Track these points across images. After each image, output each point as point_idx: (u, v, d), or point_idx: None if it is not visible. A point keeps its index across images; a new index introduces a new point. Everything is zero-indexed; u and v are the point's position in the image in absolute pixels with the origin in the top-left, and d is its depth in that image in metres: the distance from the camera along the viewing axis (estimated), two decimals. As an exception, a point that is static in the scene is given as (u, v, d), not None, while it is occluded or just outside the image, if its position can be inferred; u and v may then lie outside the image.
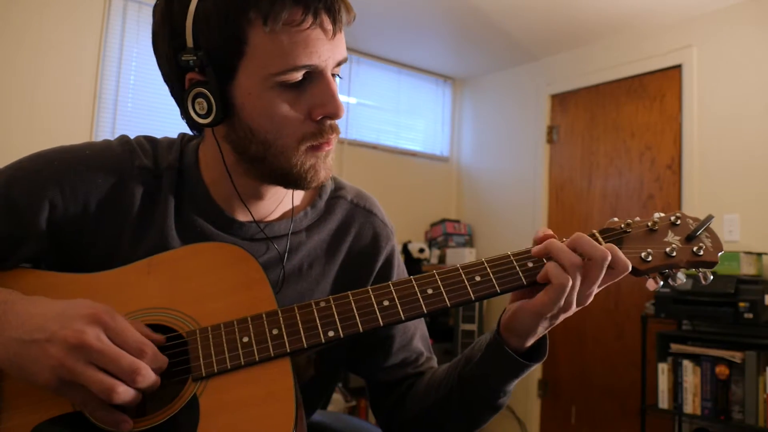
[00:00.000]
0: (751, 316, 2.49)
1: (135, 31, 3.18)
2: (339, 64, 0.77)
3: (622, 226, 0.78)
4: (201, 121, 0.76)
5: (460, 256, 3.93)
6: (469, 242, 4.19)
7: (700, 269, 0.77)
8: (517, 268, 0.75)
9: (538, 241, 0.77)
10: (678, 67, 3.27)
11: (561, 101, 3.88)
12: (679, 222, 0.78)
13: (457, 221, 4.25)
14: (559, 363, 3.65)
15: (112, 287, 0.75)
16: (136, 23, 3.18)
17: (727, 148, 3.02)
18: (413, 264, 3.83)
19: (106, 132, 3.06)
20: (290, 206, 0.89)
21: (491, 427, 3.95)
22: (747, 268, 2.67)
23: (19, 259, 0.78)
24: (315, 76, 0.74)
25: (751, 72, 2.97)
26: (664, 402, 2.80)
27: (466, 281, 0.74)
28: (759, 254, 2.75)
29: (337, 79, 0.79)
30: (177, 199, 0.83)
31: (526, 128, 4.03)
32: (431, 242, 4.17)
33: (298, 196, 0.91)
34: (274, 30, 0.70)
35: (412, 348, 0.96)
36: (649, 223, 0.78)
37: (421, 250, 3.92)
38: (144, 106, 3.21)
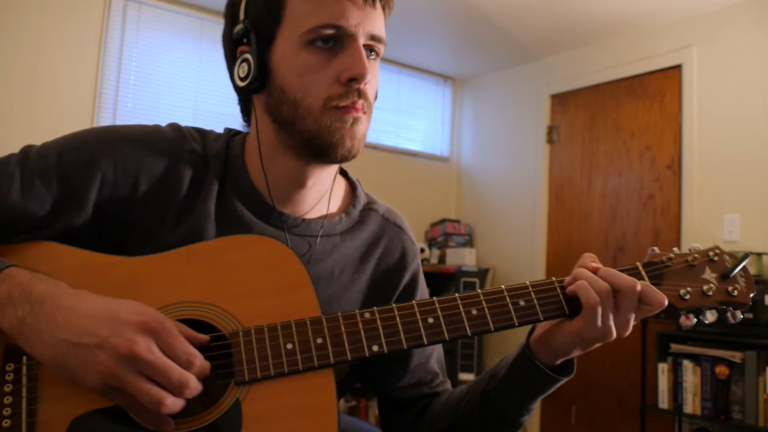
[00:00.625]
0: (751, 316, 2.49)
1: (135, 31, 3.18)
2: (373, 38, 0.79)
3: (664, 259, 0.79)
4: (241, 83, 0.80)
5: (460, 256, 3.93)
6: (469, 242, 4.19)
7: (730, 308, 0.78)
8: (561, 296, 0.75)
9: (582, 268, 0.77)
10: (678, 67, 3.27)
11: (561, 101, 3.88)
12: (716, 258, 0.80)
13: (457, 221, 4.25)
14: (559, 363, 3.64)
15: (150, 275, 0.74)
16: (136, 23, 3.18)
17: (727, 148, 3.02)
18: (413, 264, 3.83)
19: (106, 132, 3.06)
20: (331, 210, 0.90)
21: None
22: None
23: (58, 229, 0.77)
24: (346, 42, 0.77)
25: (751, 72, 2.97)
26: (664, 402, 2.81)
27: (510, 305, 0.74)
28: (759, 254, 2.75)
29: (378, 62, 0.83)
30: (221, 184, 0.84)
31: (526, 128, 4.03)
32: (431, 242, 4.17)
33: (335, 201, 0.92)
34: None
35: (428, 368, 0.96)
36: (689, 258, 0.79)
37: (422, 250, 3.93)
38: (144, 106, 3.21)
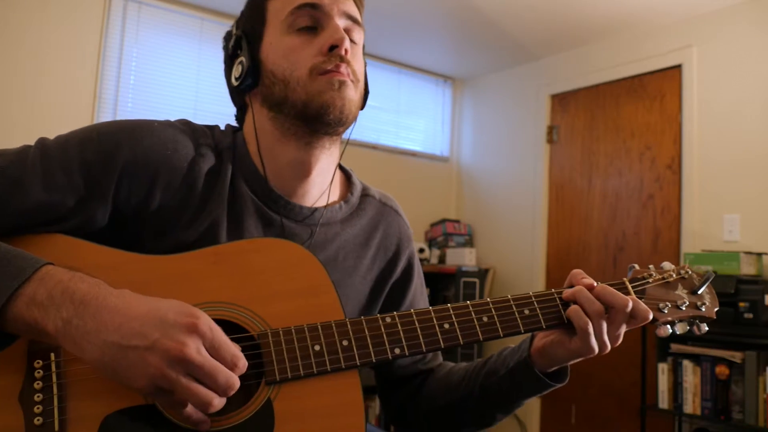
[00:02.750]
0: (751, 316, 2.49)
1: (135, 31, 3.18)
2: (350, 18, 0.87)
3: (645, 275, 0.88)
4: (236, 83, 0.87)
5: (460, 256, 3.93)
6: (469, 242, 4.19)
7: (697, 321, 0.88)
8: (560, 307, 0.82)
9: (573, 284, 0.85)
10: (678, 67, 3.27)
11: (561, 101, 3.88)
12: (686, 276, 0.90)
13: (457, 221, 4.24)
14: (559, 363, 3.64)
15: (177, 275, 0.75)
16: (136, 23, 3.18)
17: (727, 148, 3.02)
18: (413, 264, 3.82)
19: (106, 132, 3.06)
20: (330, 199, 0.95)
21: (491, 427, 3.95)
22: (747, 268, 2.67)
23: (77, 222, 0.77)
24: (323, 21, 0.85)
25: (751, 72, 2.97)
26: (664, 402, 2.81)
27: (516, 313, 0.80)
28: (759, 254, 2.75)
29: (361, 51, 0.91)
30: (233, 177, 0.87)
31: (526, 128, 4.03)
32: (431, 242, 4.17)
33: (334, 190, 0.96)
34: None
35: None
36: (665, 275, 0.89)
37: (421, 250, 3.93)
38: (144, 106, 3.21)
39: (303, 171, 0.88)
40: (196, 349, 0.63)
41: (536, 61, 3.98)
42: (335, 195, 0.96)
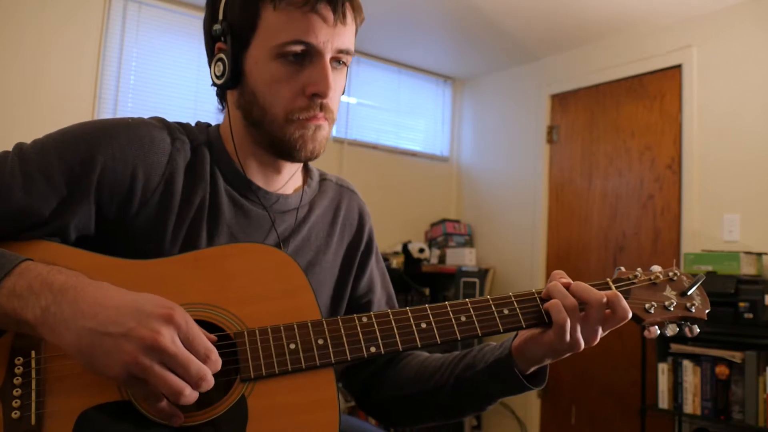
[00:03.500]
0: (751, 316, 2.49)
1: (135, 32, 3.18)
2: (341, 51, 0.85)
3: (630, 277, 0.88)
4: (217, 81, 0.88)
5: (460, 256, 3.93)
6: (469, 242, 4.19)
7: (688, 323, 0.87)
8: (540, 306, 0.82)
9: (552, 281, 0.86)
10: (678, 67, 3.27)
11: (561, 101, 3.88)
12: (675, 278, 0.89)
13: (457, 221, 4.25)
14: (559, 363, 3.61)
15: (158, 278, 0.77)
16: (136, 23, 3.18)
17: (727, 148, 3.02)
18: (413, 264, 3.83)
19: (106, 132, 3.06)
20: (297, 184, 0.99)
21: (491, 428, 3.94)
22: (747, 268, 2.67)
23: (61, 226, 0.78)
24: (314, 57, 0.82)
25: (751, 72, 2.97)
26: (664, 402, 2.81)
27: (495, 313, 0.81)
28: (759, 254, 2.75)
29: (346, 70, 0.89)
30: (212, 171, 0.89)
31: (526, 128, 4.03)
32: (431, 242, 4.17)
33: (297, 177, 0.99)
34: (279, 8, 0.81)
35: None
36: (652, 277, 0.88)
37: (421, 250, 3.92)
38: (144, 106, 3.21)
39: (274, 171, 0.93)
40: (170, 339, 0.64)
41: (536, 61, 3.98)
42: (298, 181, 1.00)
